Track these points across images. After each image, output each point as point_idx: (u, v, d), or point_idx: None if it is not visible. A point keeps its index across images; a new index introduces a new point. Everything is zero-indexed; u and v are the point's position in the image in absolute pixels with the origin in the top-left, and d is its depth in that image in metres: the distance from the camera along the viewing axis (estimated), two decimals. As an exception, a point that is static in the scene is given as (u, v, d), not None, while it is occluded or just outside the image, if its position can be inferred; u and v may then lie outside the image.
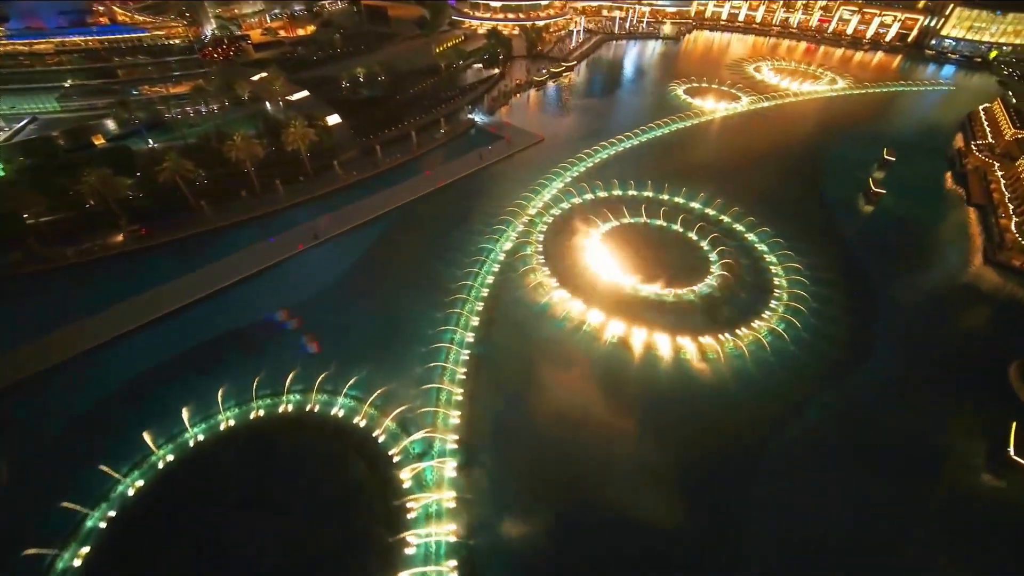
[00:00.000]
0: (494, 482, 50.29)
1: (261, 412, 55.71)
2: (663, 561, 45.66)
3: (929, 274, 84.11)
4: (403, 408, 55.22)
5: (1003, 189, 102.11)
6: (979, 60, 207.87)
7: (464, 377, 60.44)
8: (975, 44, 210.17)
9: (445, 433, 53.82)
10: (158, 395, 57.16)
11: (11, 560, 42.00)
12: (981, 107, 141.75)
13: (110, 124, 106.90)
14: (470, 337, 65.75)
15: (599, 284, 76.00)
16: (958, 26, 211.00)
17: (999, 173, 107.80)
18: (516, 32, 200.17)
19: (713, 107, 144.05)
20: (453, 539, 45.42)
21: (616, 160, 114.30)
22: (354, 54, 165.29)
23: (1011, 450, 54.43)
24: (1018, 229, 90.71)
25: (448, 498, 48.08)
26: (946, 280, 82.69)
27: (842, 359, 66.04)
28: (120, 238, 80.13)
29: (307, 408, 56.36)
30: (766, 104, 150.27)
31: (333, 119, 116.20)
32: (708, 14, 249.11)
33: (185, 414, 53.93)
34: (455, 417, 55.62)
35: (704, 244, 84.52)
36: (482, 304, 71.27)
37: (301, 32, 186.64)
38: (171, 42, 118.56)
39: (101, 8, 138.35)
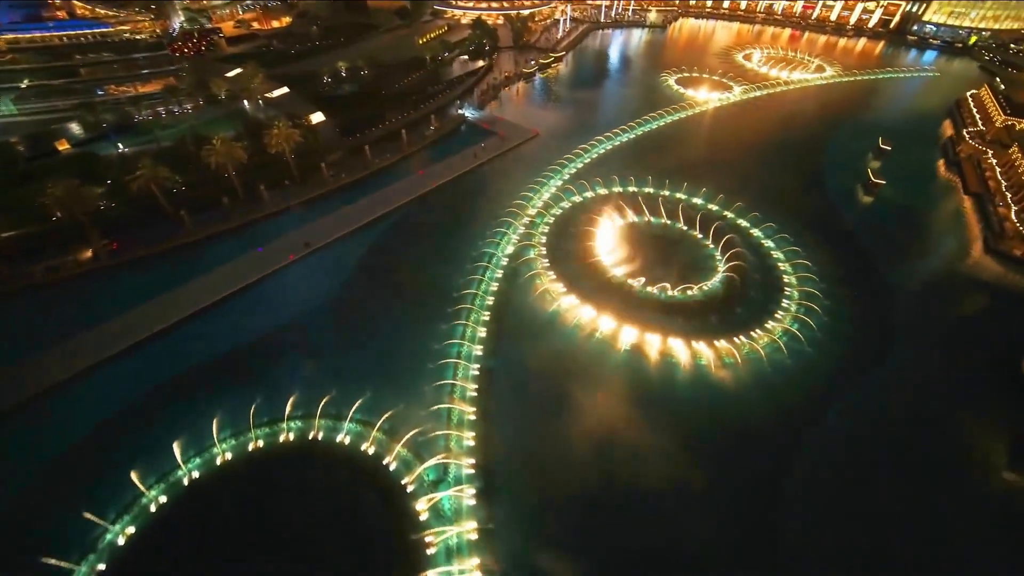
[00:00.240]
0: (517, 510, 47.46)
1: (260, 443, 51.72)
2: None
3: (934, 267, 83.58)
4: (415, 432, 51.83)
5: (999, 177, 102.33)
6: (960, 45, 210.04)
7: (475, 394, 57.25)
8: (955, 29, 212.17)
9: (460, 457, 50.71)
10: (144, 430, 52.61)
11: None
12: (968, 93, 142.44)
13: (75, 128, 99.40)
14: (478, 350, 62.46)
15: (608, 288, 73.29)
16: (939, 11, 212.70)
17: (993, 161, 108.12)
18: (501, 22, 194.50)
19: (706, 97, 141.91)
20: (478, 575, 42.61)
21: (613, 155, 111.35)
22: (334, 47, 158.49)
23: (1034, 448, 53.92)
24: (1018, 218, 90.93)
25: (469, 530, 45.13)
26: (951, 273, 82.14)
27: (858, 359, 64.82)
28: (89, 254, 73.92)
29: (310, 436, 52.57)
30: (758, 93, 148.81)
31: (317, 117, 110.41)
32: (693, 1, 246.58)
33: (176, 449, 49.65)
34: (469, 439, 52.51)
35: (710, 243, 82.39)
36: (488, 313, 67.95)
37: (276, 24, 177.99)
38: (137, 37, 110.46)
39: (58, 1, 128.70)
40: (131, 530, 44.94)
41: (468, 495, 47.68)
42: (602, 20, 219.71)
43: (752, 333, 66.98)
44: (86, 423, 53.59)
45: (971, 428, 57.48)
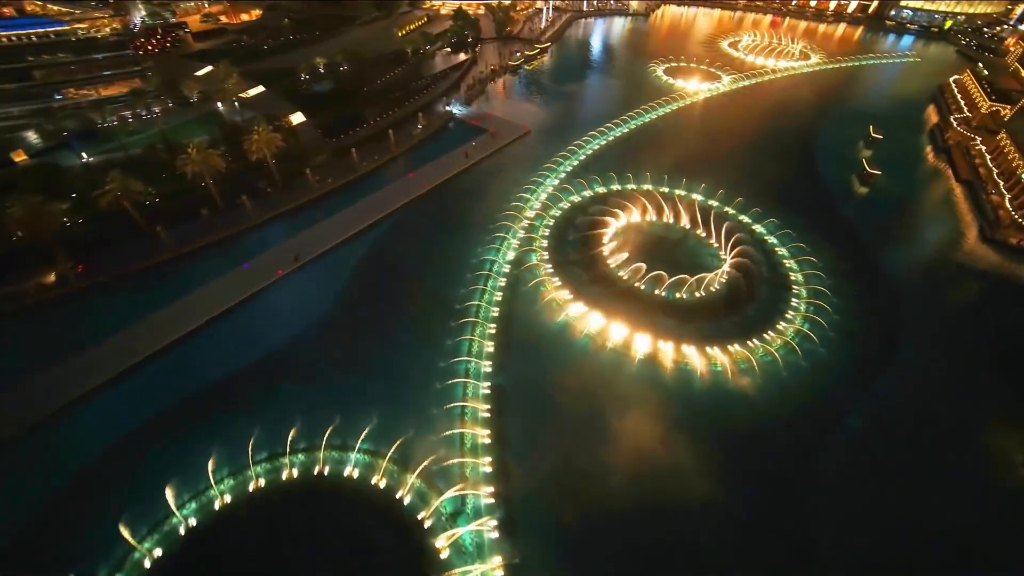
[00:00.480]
0: (545, 541, 45.00)
1: (261, 481, 47.98)
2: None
3: (934, 259, 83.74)
4: (429, 460, 48.74)
5: (989, 164, 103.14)
6: (936, 30, 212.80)
7: (488, 415, 54.36)
8: (931, 14, 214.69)
9: (478, 486, 47.92)
10: (131, 474, 48.27)
11: None
12: (952, 79, 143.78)
13: (32, 136, 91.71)
14: (487, 367, 59.44)
15: (615, 292, 70.91)
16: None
17: (982, 147, 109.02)
18: (482, 11, 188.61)
19: (696, 88, 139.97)
20: (508, 616, 40.22)
21: (608, 150, 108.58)
22: (309, 41, 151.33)
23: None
24: (1012, 206, 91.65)
25: (495, 566, 42.53)
26: (951, 265, 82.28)
27: (872, 357, 64.16)
28: (53, 278, 67.58)
29: (315, 471, 49.04)
30: (747, 83, 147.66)
31: (297, 118, 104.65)
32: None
33: (169, 494, 45.64)
34: (486, 465, 49.69)
35: (714, 241, 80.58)
36: (494, 326, 64.85)
37: (245, 17, 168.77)
38: (95, 35, 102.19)
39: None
40: (124, 590, 41.08)
41: (490, 527, 45.03)
42: (585, 8, 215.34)
43: (765, 335, 65.66)
44: (59, 475, 48.40)
45: (986, 424, 57.30)
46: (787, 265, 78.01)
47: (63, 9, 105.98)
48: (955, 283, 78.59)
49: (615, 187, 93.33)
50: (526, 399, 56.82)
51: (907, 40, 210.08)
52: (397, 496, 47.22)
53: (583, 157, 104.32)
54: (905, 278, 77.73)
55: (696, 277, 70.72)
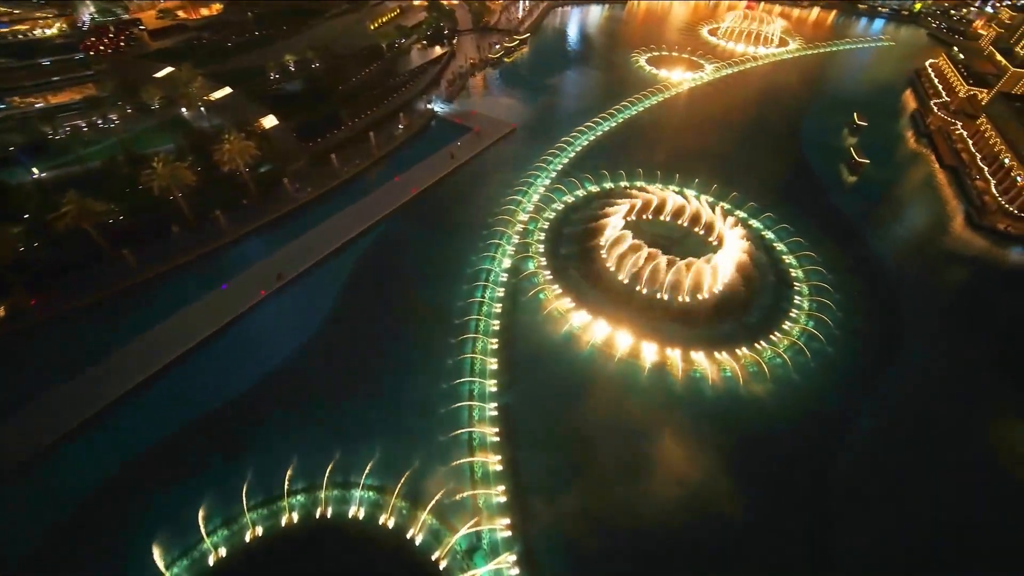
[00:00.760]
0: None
1: (259, 529, 44.34)
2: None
3: (927, 249, 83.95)
4: (440, 494, 45.82)
5: (972, 150, 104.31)
6: (906, 13, 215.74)
7: (497, 438, 51.63)
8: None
9: (493, 519, 45.31)
10: (110, 534, 43.79)
11: None
12: (928, 63, 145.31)
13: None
14: (492, 386, 56.56)
15: (618, 298, 68.71)
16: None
17: (963, 132, 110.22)
18: (456, 1, 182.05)
19: (680, 78, 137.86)
20: (535, 662, 37.92)
21: (598, 146, 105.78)
22: (275, 37, 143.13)
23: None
24: (997, 191, 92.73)
25: (518, 608, 40.18)
26: (944, 254, 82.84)
27: (877, 354, 63.74)
28: (0, 312, 60.70)
29: (317, 513, 45.60)
30: (730, 71, 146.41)
31: (269, 121, 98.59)
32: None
33: (157, 553, 41.66)
34: (499, 495, 47.06)
35: (713, 240, 78.96)
36: (495, 341, 61.89)
37: (205, 12, 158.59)
38: (40, 36, 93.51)
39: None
40: (112, 665, 37.21)
41: (509, 563, 42.54)
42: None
43: (772, 336, 64.54)
44: (25, 541, 43.44)
45: (997, 419, 57.48)
46: (787, 261, 77.08)
47: (2, 10, 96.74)
48: (950, 273, 79.12)
49: (608, 185, 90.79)
50: (535, 419, 54.19)
51: (879, 23, 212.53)
52: (408, 536, 44.25)
53: (572, 154, 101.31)
54: (901, 270, 77.75)
55: (702, 258, 68.88)
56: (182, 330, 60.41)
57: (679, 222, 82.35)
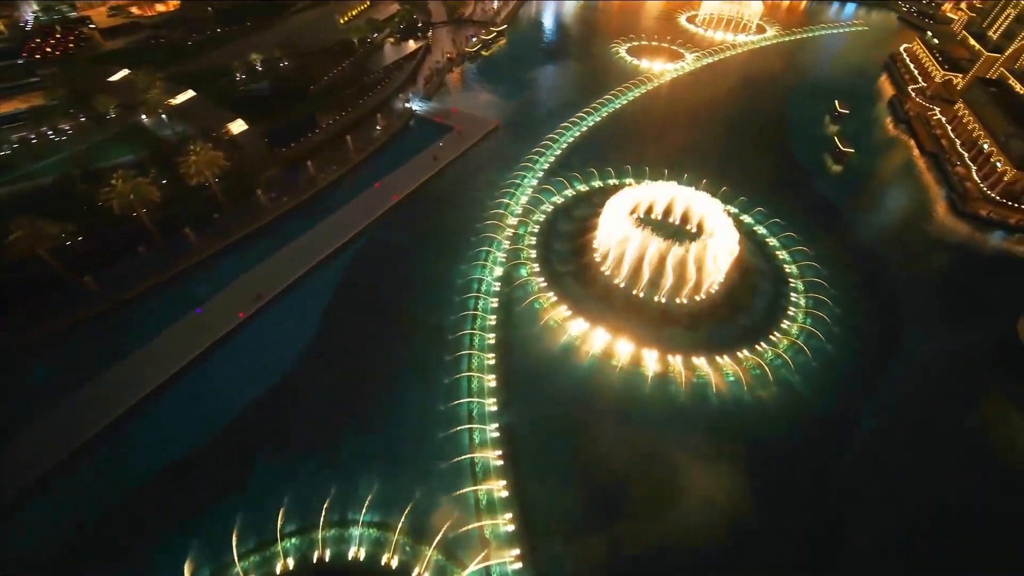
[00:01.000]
0: (582, 606, 41.19)
1: (252, 579, 41.37)
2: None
3: (913, 238, 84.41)
4: (445, 527, 43.47)
5: (951, 136, 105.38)
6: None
7: (501, 462, 49.40)
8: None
9: (502, 551, 43.24)
10: (89, 591, 40.45)
11: None
12: (903, 48, 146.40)
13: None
14: (491, 405, 54.20)
15: (615, 303, 66.91)
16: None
17: (942, 118, 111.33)
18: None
19: (661, 69, 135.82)
20: None
21: (584, 142, 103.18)
22: (239, 34, 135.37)
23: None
24: (978, 177, 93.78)
25: (535, 647, 38.30)
26: (931, 242, 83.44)
27: (876, 350, 63.64)
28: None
29: (314, 556, 42.78)
30: (710, 60, 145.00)
31: (237, 126, 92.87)
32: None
33: (140, 616, 38.39)
34: (506, 523, 44.98)
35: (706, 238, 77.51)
36: (492, 356, 59.39)
37: (161, 8, 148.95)
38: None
39: None
40: None
41: (522, 598, 40.65)
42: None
43: (772, 337, 63.74)
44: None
45: (992, 411, 57.93)
46: (781, 257, 76.40)
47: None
48: (940, 262, 79.59)
49: (596, 184, 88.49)
50: (539, 439, 52.15)
51: (850, 8, 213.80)
52: (414, 575, 41.88)
53: (558, 152, 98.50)
54: (892, 262, 77.94)
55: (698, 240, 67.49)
56: (154, 362, 56.07)
57: (670, 220, 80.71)
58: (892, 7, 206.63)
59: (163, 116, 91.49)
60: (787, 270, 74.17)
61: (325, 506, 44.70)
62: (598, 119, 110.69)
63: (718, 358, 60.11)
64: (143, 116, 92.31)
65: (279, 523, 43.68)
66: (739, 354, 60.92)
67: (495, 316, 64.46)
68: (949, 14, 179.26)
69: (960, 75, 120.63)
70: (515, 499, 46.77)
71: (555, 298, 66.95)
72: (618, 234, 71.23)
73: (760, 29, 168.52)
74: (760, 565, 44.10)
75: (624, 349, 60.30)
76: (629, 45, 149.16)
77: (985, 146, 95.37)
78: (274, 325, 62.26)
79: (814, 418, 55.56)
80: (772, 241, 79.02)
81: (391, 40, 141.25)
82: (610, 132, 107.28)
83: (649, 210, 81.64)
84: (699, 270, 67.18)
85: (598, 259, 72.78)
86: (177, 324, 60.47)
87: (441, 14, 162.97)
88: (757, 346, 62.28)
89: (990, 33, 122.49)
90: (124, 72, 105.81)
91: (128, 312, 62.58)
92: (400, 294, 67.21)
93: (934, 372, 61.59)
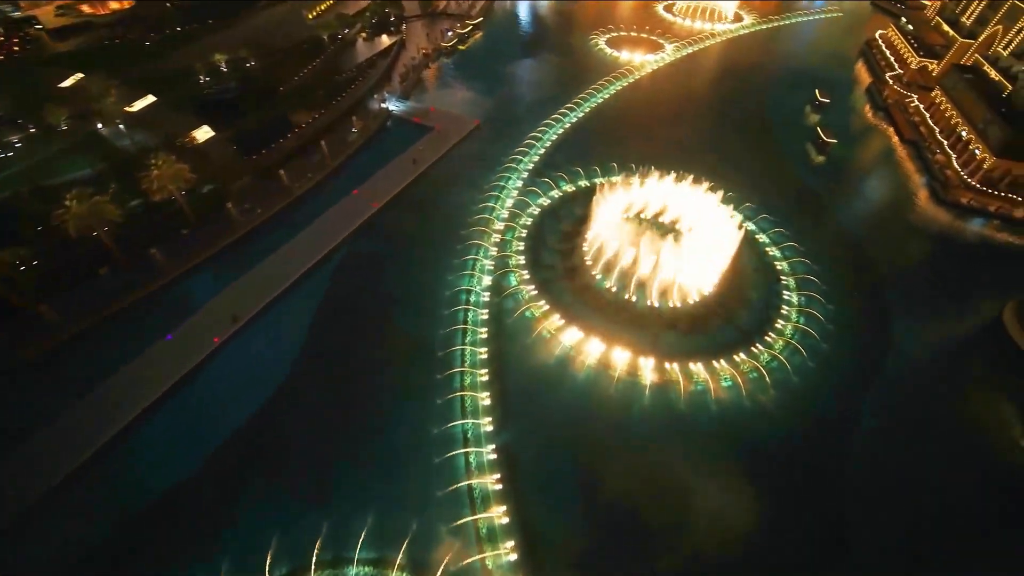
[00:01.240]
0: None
1: (240, 633, 38.71)
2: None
3: (898, 228, 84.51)
4: (446, 561, 41.42)
5: (930, 123, 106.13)
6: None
7: (500, 486, 47.43)
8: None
9: (507, 582, 41.48)
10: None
11: None
12: (878, 34, 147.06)
13: None
14: (487, 425, 52.08)
15: (608, 309, 65.16)
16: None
17: (919, 105, 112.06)
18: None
19: (642, 60, 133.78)
20: None
21: (568, 139, 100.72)
22: (201, 32, 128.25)
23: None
24: (957, 164, 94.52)
25: None
26: (915, 232, 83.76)
27: (869, 345, 63.42)
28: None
29: (307, 602, 40.36)
30: (690, 50, 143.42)
31: (203, 133, 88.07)
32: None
33: None
34: (508, 552, 43.13)
35: (696, 236, 76.20)
36: (485, 371, 57.15)
37: (115, 6, 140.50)
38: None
39: None
40: None
41: (529, 633, 38.95)
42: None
43: (767, 337, 62.96)
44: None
45: (978, 403, 58.20)
46: (771, 253, 75.67)
47: None
48: (926, 252, 79.81)
49: (583, 183, 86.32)
50: (538, 459, 50.27)
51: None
52: (415, 615, 39.83)
53: (542, 151, 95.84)
54: (880, 253, 77.86)
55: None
56: (122, 396, 52.24)
57: (661, 218, 79.25)
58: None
59: (120, 126, 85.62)
60: (779, 267, 73.47)
61: (317, 545, 42.15)
62: (581, 115, 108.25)
63: (715, 363, 59.08)
64: (99, 125, 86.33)
65: (267, 568, 41.05)
66: (735, 357, 59.96)
67: (486, 329, 62.12)
68: (923, 0, 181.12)
69: (935, 61, 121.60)
70: (517, 526, 44.90)
71: (547, 306, 64.87)
72: (608, 236, 69.56)
73: (737, 17, 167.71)
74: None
75: (620, 357, 58.72)
76: (608, 36, 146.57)
77: (964, 133, 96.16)
78: (252, 350, 58.75)
79: (814, 421, 55.01)
80: (762, 237, 78.19)
81: (363, 36, 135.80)
82: (594, 128, 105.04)
83: (641, 209, 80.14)
84: (692, 268, 66.04)
85: (588, 262, 70.88)
86: (146, 354, 56.47)
87: (414, 8, 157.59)
88: (753, 347, 61.45)
89: (963, 19, 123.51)
90: (77, 77, 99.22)
91: (90, 342, 58.25)
92: (385, 310, 64.23)
93: (925, 366, 61.70)
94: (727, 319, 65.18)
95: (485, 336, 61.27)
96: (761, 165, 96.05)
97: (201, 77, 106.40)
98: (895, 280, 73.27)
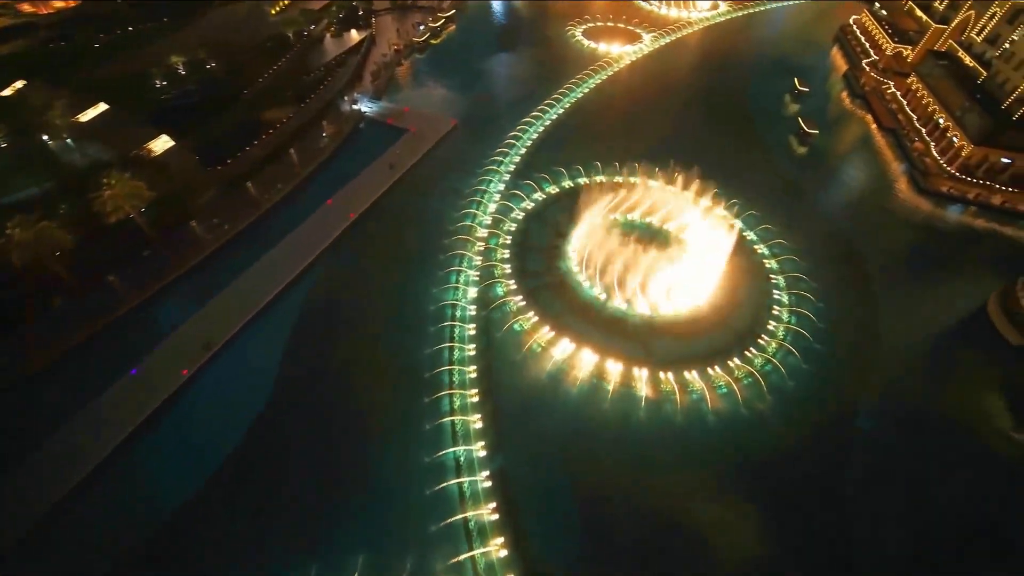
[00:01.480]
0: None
1: None
2: None
3: (881, 220, 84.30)
4: (441, 606, 39.39)
5: (908, 111, 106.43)
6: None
7: (496, 515, 45.36)
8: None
9: (508, 622, 39.59)
10: None
11: None
12: (852, 19, 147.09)
13: None
14: (479, 449, 49.84)
15: (599, 318, 63.31)
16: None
17: (896, 92, 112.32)
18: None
19: (620, 52, 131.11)
20: None
21: (549, 138, 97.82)
22: (155, 32, 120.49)
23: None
24: (936, 152, 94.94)
25: None
26: (899, 223, 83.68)
27: (862, 343, 63.05)
28: None
29: (297, 660, 37.82)
30: (668, 39, 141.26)
31: (162, 143, 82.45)
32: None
33: None
34: (510, 588, 41.29)
35: (687, 237, 74.84)
36: (475, 392, 54.76)
37: (60, 4, 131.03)
38: None
39: None
40: None
41: (534, 675, 37.21)
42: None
43: (760, 340, 61.99)
44: None
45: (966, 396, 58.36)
46: (759, 251, 74.68)
47: None
48: (907, 243, 79.79)
49: (567, 184, 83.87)
50: (534, 482, 48.34)
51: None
52: (412, 666, 37.68)
53: (523, 151, 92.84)
54: (863, 245, 77.43)
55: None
56: (85, 441, 48.26)
57: (649, 220, 77.46)
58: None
59: (68, 141, 79.37)
60: (767, 265, 72.54)
61: (305, 596, 39.62)
62: (561, 111, 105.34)
63: (709, 370, 57.84)
64: (45, 138, 79.98)
65: (252, 625, 38.34)
66: (730, 363, 58.84)
67: (474, 345, 59.60)
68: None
69: (910, 47, 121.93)
70: (514, 555, 42.96)
71: (536, 318, 62.63)
72: (594, 241, 67.57)
73: (714, 5, 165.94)
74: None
75: (613, 369, 57.01)
76: (585, 27, 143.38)
77: (941, 121, 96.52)
78: (225, 381, 55.05)
79: (812, 427, 54.19)
80: (750, 235, 77.04)
81: (330, 32, 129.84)
82: (575, 125, 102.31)
83: (629, 210, 78.20)
84: (684, 274, 64.63)
85: (576, 269, 68.78)
86: (108, 393, 52.27)
87: (384, 2, 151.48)
88: (747, 352, 60.42)
89: (935, 4, 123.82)
90: (18, 84, 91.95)
91: (43, 382, 53.70)
92: (367, 329, 61.11)
93: (916, 362, 61.63)
94: (719, 323, 63.95)
95: (473, 353, 58.78)
96: (745, 159, 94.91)
97: (157, 81, 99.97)
98: (881, 273, 72.96)
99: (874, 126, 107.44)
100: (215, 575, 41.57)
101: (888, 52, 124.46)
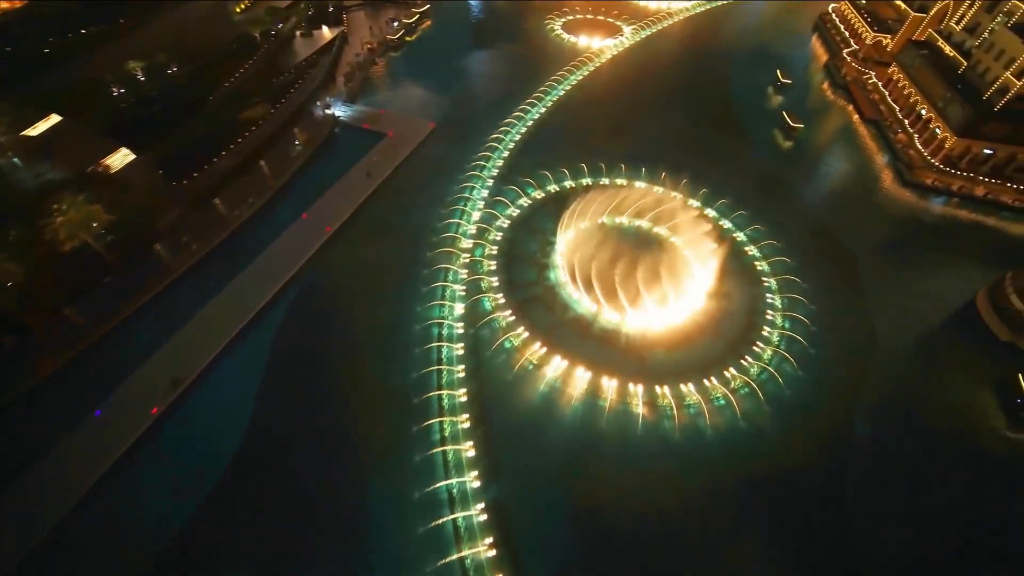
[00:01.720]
0: None
1: None
2: None
3: (869, 214, 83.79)
4: (439, 656, 37.27)
5: (890, 102, 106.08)
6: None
7: (493, 552, 43.26)
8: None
9: (510, 668, 37.69)
10: None
11: None
12: (831, 8, 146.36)
13: None
14: (473, 480, 47.58)
15: (592, 332, 61.32)
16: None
17: (877, 82, 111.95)
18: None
19: (601, 45, 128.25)
20: None
21: (531, 139, 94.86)
22: (110, 34, 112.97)
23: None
24: (919, 144, 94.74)
25: None
26: (885, 217, 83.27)
27: (856, 345, 62.33)
28: None
29: None
30: (648, 32, 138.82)
31: (121, 158, 77.14)
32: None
33: None
34: (511, 629, 39.37)
35: (677, 239, 73.11)
36: (466, 418, 52.33)
37: (5, 5, 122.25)
38: None
39: None
40: None
41: None
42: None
43: (755, 348, 60.75)
44: None
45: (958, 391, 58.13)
46: (750, 253, 73.39)
47: None
48: (894, 237, 79.25)
49: (552, 188, 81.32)
50: (531, 512, 46.37)
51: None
52: None
53: (506, 154, 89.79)
54: (852, 242, 76.74)
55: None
56: (40, 495, 44.54)
57: (637, 222, 75.47)
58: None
59: (15, 160, 73.64)
60: (758, 267, 71.30)
61: (292, 655, 37.05)
62: (543, 111, 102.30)
63: (705, 381, 56.38)
64: (-9, 157, 74.17)
65: None
66: (726, 373, 57.48)
67: (463, 366, 57.03)
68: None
69: (890, 36, 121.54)
70: (516, 597, 41.08)
71: (527, 334, 60.29)
72: (584, 248, 65.40)
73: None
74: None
75: (608, 386, 55.13)
76: (564, 20, 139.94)
77: (923, 112, 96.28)
78: (197, 419, 51.58)
79: (809, 435, 53.25)
80: (740, 236, 75.65)
81: (299, 31, 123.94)
82: (558, 124, 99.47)
83: (617, 213, 76.06)
84: (672, 282, 62.91)
85: (564, 279, 66.52)
86: (70, 438, 48.50)
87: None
88: (743, 360, 59.15)
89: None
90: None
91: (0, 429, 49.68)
92: (349, 354, 58.00)
93: (909, 361, 61.19)
94: (712, 331, 62.53)
95: (463, 375, 56.23)
96: (731, 156, 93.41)
97: (115, 89, 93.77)
98: (871, 269, 72.36)
99: (856, 118, 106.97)
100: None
101: (868, 41, 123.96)
